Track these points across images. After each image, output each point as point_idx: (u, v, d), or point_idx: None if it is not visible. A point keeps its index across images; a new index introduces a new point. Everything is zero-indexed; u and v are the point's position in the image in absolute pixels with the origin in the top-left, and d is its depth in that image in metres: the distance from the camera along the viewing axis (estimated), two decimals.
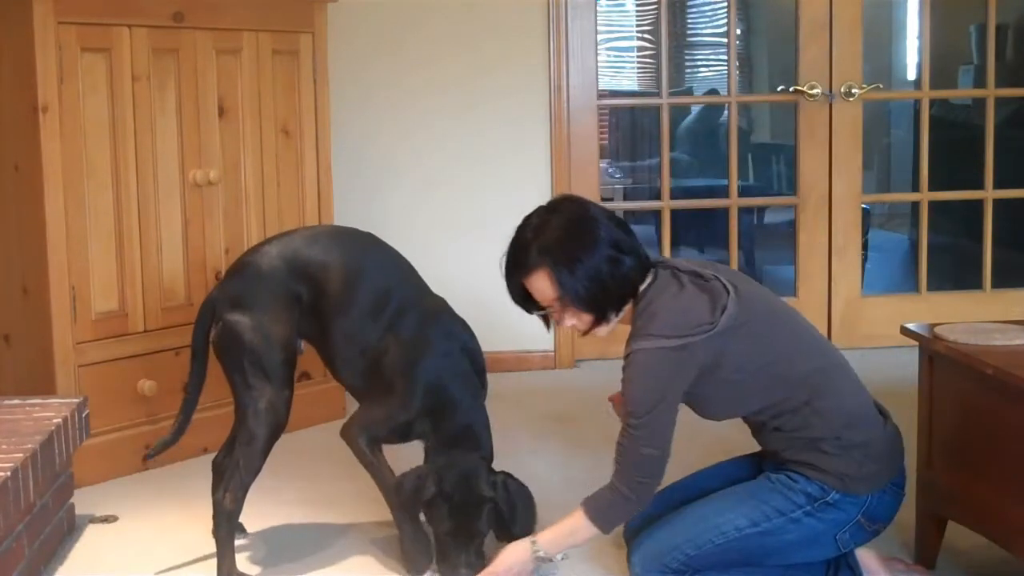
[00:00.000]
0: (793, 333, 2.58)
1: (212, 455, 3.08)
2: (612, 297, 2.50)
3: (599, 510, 2.52)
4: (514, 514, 2.77)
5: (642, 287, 2.52)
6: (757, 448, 2.73)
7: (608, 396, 2.82)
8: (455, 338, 2.85)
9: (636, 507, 2.53)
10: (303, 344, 2.91)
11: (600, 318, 2.52)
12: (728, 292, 2.48)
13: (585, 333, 2.58)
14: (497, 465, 2.94)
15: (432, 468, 2.76)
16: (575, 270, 2.46)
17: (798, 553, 2.56)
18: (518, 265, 2.52)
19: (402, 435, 2.86)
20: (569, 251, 2.46)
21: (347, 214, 4.18)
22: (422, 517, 2.80)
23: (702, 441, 3.77)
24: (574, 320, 2.53)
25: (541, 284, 2.49)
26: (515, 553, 2.61)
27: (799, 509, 2.51)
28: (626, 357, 2.48)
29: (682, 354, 2.43)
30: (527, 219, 2.57)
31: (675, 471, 3.14)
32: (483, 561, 2.72)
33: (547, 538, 2.60)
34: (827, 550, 2.57)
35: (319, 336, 2.88)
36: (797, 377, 2.51)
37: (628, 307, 2.54)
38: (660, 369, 2.44)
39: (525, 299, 2.55)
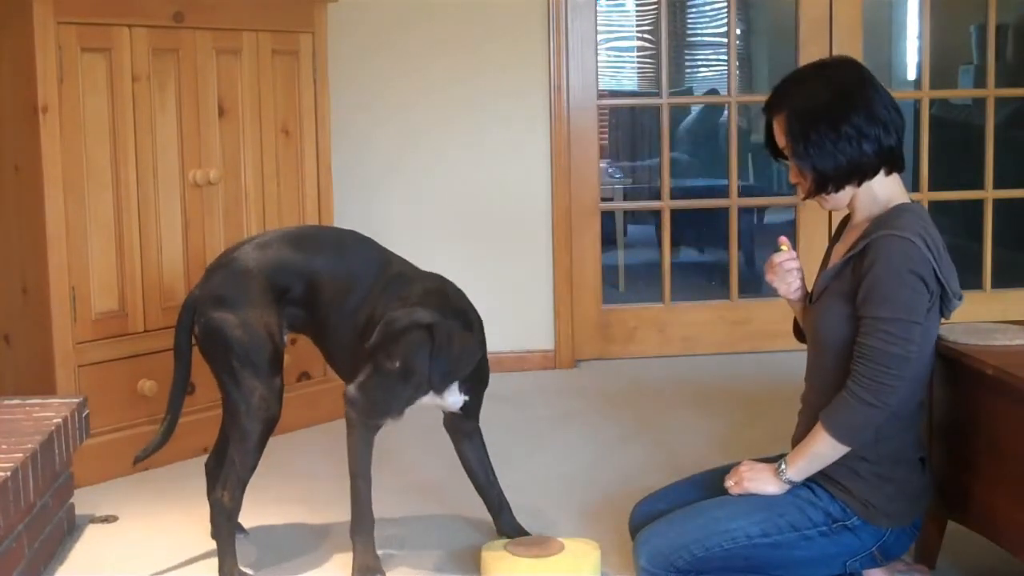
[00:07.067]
0: (928, 371, 2.54)
1: None
2: (839, 171, 2.49)
3: (834, 419, 2.42)
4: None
5: (898, 200, 2.51)
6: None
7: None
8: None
9: (877, 414, 2.39)
10: (288, 339, 2.88)
11: (820, 187, 2.53)
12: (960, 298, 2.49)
13: (805, 197, 2.60)
14: (497, 465, 2.94)
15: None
16: (807, 130, 2.48)
17: (804, 570, 2.51)
18: (771, 100, 2.58)
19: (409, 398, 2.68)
20: (812, 111, 2.49)
21: (347, 214, 4.18)
22: None
23: (708, 440, 3.77)
24: (799, 179, 2.56)
25: (780, 128, 2.55)
26: (763, 473, 2.53)
27: (815, 528, 2.47)
28: (866, 245, 2.42)
29: (931, 266, 2.40)
30: (807, 66, 2.63)
31: (679, 471, 3.15)
32: None
33: (794, 460, 2.49)
34: (833, 572, 2.53)
35: (316, 333, 2.86)
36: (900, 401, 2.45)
37: (871, 201, 2.52)
38: (915, 261, 2.39)
39: (771, 139, 2.60)
